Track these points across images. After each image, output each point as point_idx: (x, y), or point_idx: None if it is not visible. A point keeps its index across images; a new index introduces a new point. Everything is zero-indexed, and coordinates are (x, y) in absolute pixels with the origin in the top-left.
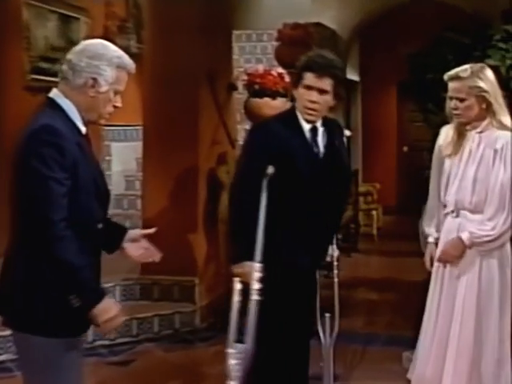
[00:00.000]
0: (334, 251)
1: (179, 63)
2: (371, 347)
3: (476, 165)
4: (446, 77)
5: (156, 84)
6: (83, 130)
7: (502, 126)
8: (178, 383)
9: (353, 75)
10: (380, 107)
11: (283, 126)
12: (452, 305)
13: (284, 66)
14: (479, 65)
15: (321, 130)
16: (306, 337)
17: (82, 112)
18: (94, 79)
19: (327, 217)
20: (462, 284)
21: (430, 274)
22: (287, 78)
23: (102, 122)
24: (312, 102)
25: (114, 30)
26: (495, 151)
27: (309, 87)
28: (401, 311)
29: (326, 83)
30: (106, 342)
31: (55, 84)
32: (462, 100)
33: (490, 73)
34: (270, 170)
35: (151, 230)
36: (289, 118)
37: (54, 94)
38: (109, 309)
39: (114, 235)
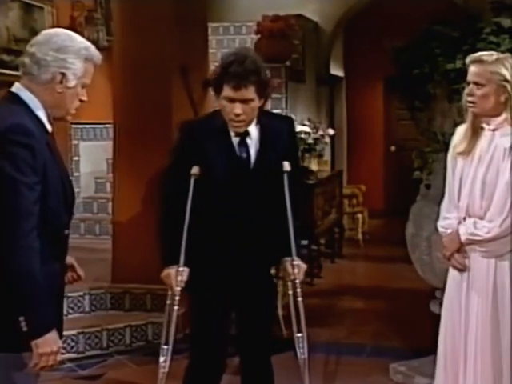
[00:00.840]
0: (295, 267)
1: (150, 57)
2: (357, 358)
3: (486, 166)
4: (468, 59)
5: (127, 79)
6: (49, 128)
7: None
8: None
9: (337, 70)
10: (366, 104)
11: (210, 127)
12: (466, 317)
13: (264, 60)
14: (506, 54)
15: (254, 132)
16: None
17: (48, 109)
18: (63, 74)
19: (261, 224)
20: (474, 295)
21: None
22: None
23: (69, 118)
24: (237, 115)
25: (82, 20)
26: (505, 150)
27: (231, 99)
28: (388, 320)
29: (249, 92)
30: (74, 355)
31: (18, 78)
32: (480, 86)
33: None
34: (194, 170)
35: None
36: (217, 121)
37: (18, 88)
38: (52, 343)
39: None
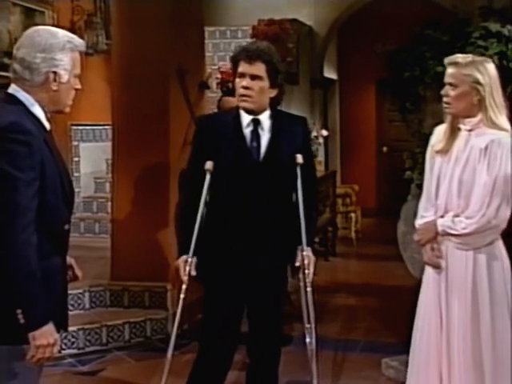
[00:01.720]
0: (304, 257)
1: (148, 60)
2: (350, 354)
3: (462, 165)
4: (445, 61)
5: (125, 82)
6: (47, 126)
7: (494, 126)
8: None
9: (330, 73)
10: (359, 106)
11: (223, 120)
12: (446, 314)
13: None
14: (483, 57)
15: (267, 123)
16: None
17: (45, 107)
18: (55, 72)
19: (271, 215)
20: (452, 290)
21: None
22: None
23: (67, 110)
24: (244, 88)
25: (81, 24)
26: (480, 150)
27: (242, 74)
28: (380, 317)
29: (259, 68)
30: (74, 351)
31: None
32: (454, 87)
33: (491, 67)
34: (208, 165)
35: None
36: (232, 113)
37: (14, 89)
38: (49, 335)
39: None
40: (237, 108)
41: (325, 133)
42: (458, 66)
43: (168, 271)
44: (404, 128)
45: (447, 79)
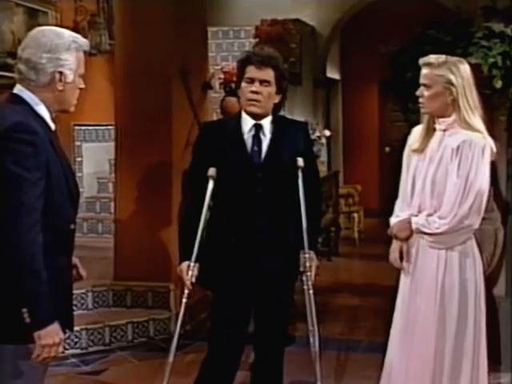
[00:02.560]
0: (306, 260)
1: (151, 60)
2: (352, 354)
3: (435, 165)
4: (420, 62)
5: (128, 82)
6: (53, 126)
7: (468, 126)
8: None
9: (333, 73)
10: (361, 106)
11: (226, 126)
12: (414, 311)
13: None
14: (457, 58)
15: (268, 128)
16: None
17: (50, 106)
18: (60, 72)
19: (274, 216)
20: (420, 287)
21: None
22: None
23: (72, 109)
24: (253, 93)
25: (85, 25)
26: (452, 150)
27: (251, 79)
28: (383, 317)
29: (268, 74)
30: (77, 351)
31: None
32: (427, 88)
33: (465, 68)
34: (211, 172)
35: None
36: (234, 119)
37: (19, 89)
38: (54, 334)
39: None
40: (239, 113)
41: (327, 133)
42: (432, 67)
43: (171, 271)
44: (406, 128)
45: (421, 80)
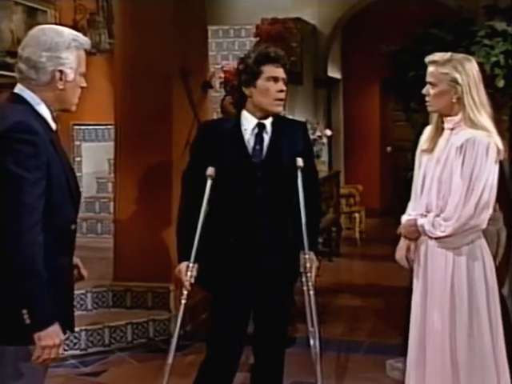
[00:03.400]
0: (306, 261)
1: (151, 59)
2: (354, 355)
3: (442, 165)
4: (425, 60)
5: (128, 81)
6: (54, 126)
7: (473, 125)
8: None
9: (334, 73)
10: (362, 106)
11: (225, 125)
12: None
13: None
14: (463, 55)
15: (269, 127)
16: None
17: (51, 106)
18: (61, 71)
19: (274, 216)
20: (432, 288)
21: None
22: None
23: (73, 108)
24: (281, 92)
25: (84, 23)
26: (456, 149)
27: (275, 78)
28: (384, 318)
29: (284, 73)
30: (77, 352)
31: None
32: (433, 86)
33: (471, 66)
34: (210, 171)
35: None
36: (233, 118)
37: (19, 89)
38: (55, 335)
39: None
40: (238, 112)
41: (328, 132)
42: (437, 65)
43: (171, 272)
44: (408, 128)
45: (427, 78)
